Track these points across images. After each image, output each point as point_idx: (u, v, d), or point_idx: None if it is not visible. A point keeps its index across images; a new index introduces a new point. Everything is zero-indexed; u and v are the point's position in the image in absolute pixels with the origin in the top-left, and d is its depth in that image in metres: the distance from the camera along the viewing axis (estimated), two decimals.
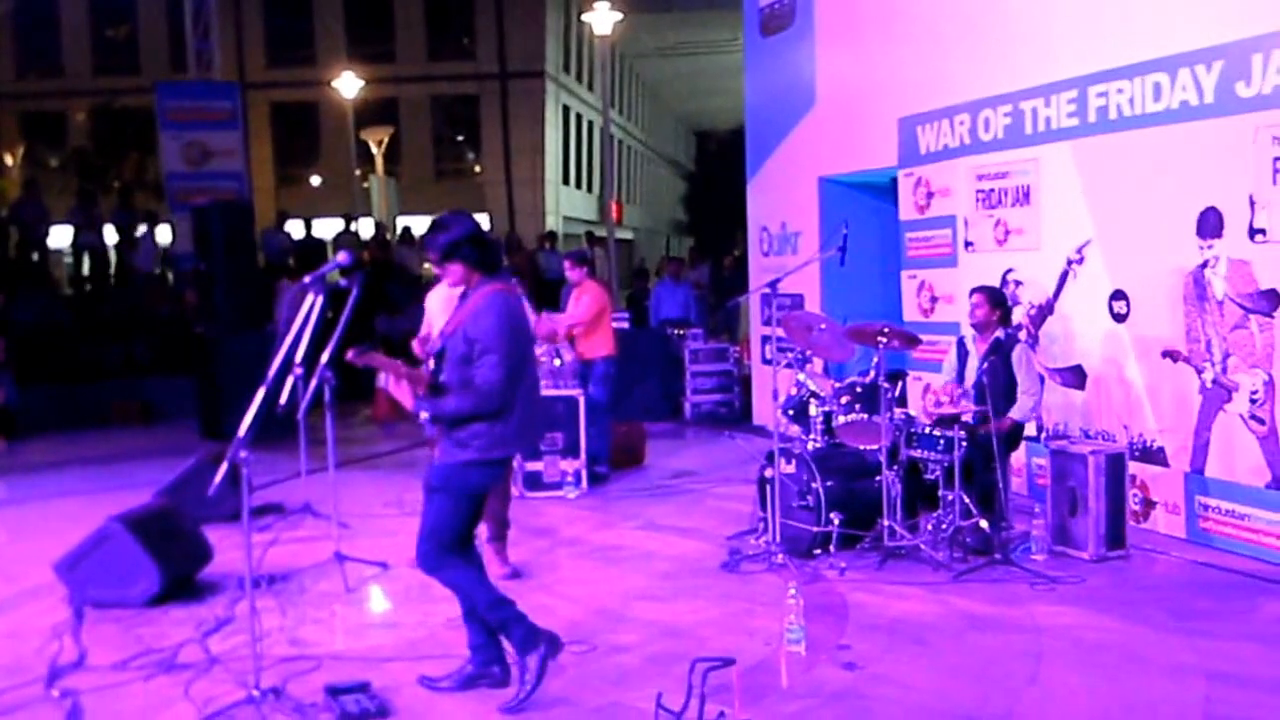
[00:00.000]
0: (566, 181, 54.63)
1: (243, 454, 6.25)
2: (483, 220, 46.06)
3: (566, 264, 13.42)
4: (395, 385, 6.68)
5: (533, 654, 6.59)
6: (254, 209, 20.50)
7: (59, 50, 50.19)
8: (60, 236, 26.16)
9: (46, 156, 45.61)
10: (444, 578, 6.69)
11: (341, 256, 8.14)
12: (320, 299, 6.87)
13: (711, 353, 18.35)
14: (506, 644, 6.71)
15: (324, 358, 9.18)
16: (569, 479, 12.33)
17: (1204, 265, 9.65)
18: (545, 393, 12.00)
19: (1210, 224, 9.55)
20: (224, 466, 6.38)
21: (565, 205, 53.22)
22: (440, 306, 9.17)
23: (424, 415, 6.59)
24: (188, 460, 11.42)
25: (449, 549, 6.64)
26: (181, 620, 8.21)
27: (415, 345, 9.34)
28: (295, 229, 28.09)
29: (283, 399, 6.53)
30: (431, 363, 6.71)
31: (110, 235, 26.14)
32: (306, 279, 7.11)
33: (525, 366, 6.64)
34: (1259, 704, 6.61)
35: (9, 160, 44.46)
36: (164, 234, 27.54)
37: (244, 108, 27.99)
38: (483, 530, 8.51)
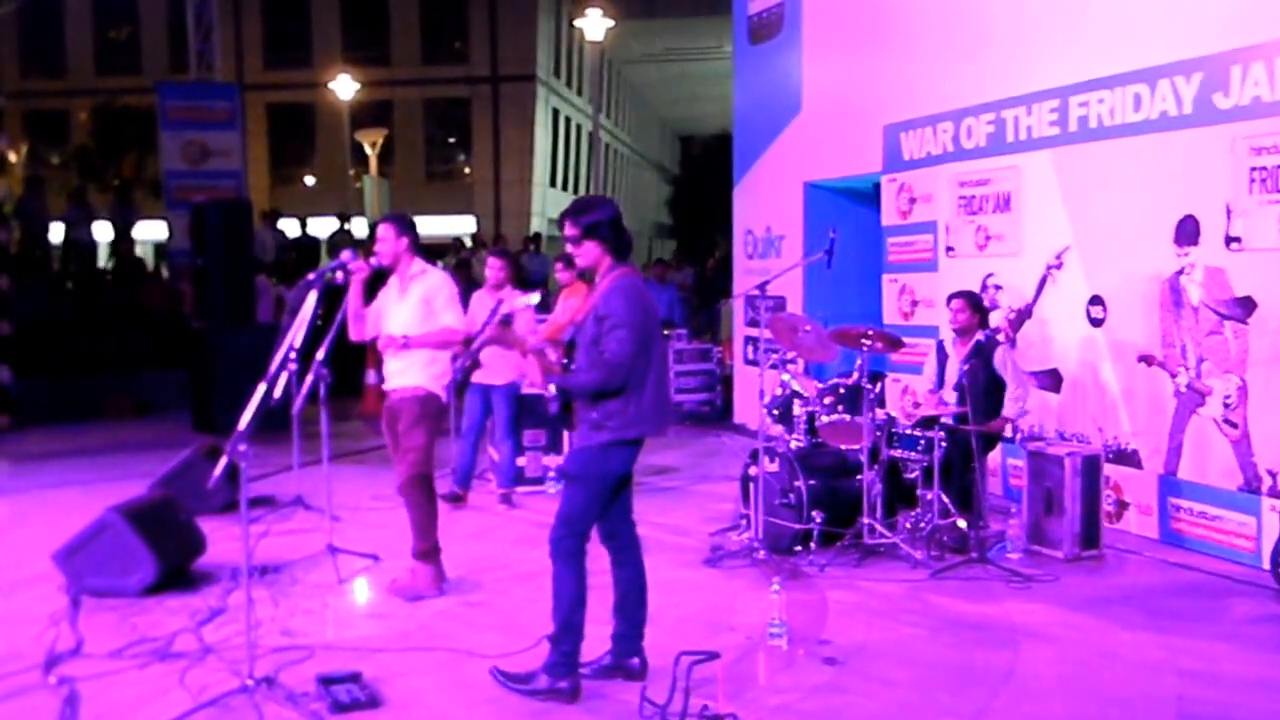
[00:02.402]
0: (553, 184, 54.64)
1: (242, 447, 6.21)
2: (469, 221, 46.17)
3: (557, 266, 13.35)
4: (523, 360, 6.63)
5: (551, 677, 6.51)
6: (252, 207, 20.45)
7: (62, 50, 50.40)
8: (60, 232, 26.11)
9: (49, 154, 45.58)
10: (557, 570, 6.58)
11: (345, 255, 8.08)
12: (317, 294, 6.86)
13: (695, 353, 18.31)
14: (547, 645, 6.61)
15: (320, 353, 9.13)
16: (551, 474, 12.27)
17: (1180, 272, 9.66)
18: (528, 391, 11.98)
19: (1187, 232, 9.56)
20: (224, 460, 6.34)
21: (551, 207, 53.18)
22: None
23: (552, 389, 6.48)
24: (181, 453, 11.35)
25: (581, 537, 6.58)
26: (176, 610, 8.14)
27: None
28: (291, 228, 28.04)
29: (277, 393, 6.49)
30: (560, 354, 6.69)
31: (105, 231, 26.15)
32: (310, 275, 7.09)
33: (654, 346, 6.53)
34: (1230, 702, 6.59)
35: (13, 158, 44.38)
36: (159, 230, 27.52)
37: (242, 108, 27.95)
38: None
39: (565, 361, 6.63)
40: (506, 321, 6.78)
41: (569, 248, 6.69)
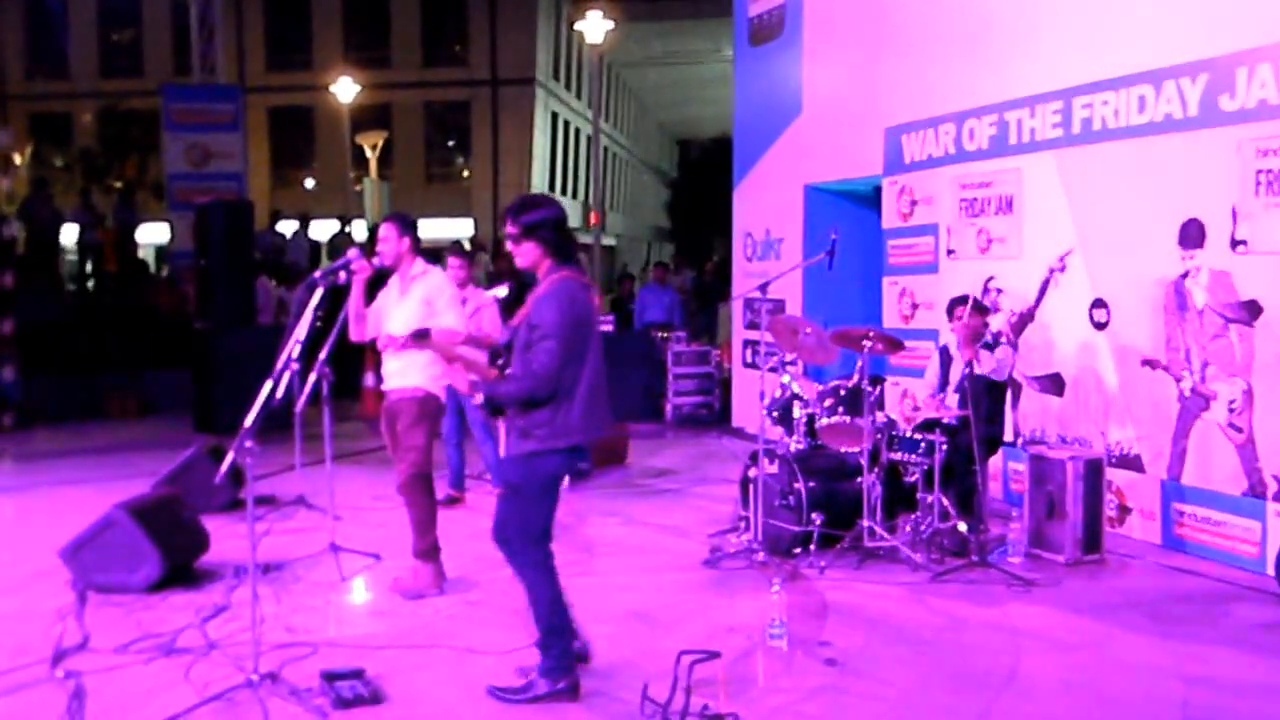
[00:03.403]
0: (552, 187, 54.62)
1: (248, 444, 6.20)
2: (468, 224, 46.16)
3: None
4: (451, 369, 6.58)
5: (549, 680, 6.45)
6: (254, 208, 20.44)
7: (66, 53, 50.56)
8: (67, 234, 26.16)
9: (53, 156, 45.59)
10: (527, 579, 6.54)
11: (351, 254, 8.01)
12: (322, 293, 6.81)
13: (693, 355, 18.24)
14: (537, 653, 6.54)
15: (323, 353, 9.08)
16: None
17: (1185, 275, 9.57)
18: None
19: (1192, 234, 9.47)
20: (229, 458, 6.31)
21: None
22: (390, 301, 8.86)
23: (478, 399, 6.44)
24: (184, 452, 11.40)
25: (536, 543, 6.52)
26: (181, 606, 8.14)
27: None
28: (291, 229, 28.07)
29: (279, 394, 6.45)
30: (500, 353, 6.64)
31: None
32: (315, 275, 7.04)
33: (588, 354, 6.42)
34: (1234, 708, 6.53)
35: (17, 159, 44.38)
36: (161, 232, 27.57)
37: (244, 111, 27.97)
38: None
39: (502, 362, 6.56)
40: (422, 335, 6.74)
41: (509, 245, 6.58)
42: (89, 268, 25.23)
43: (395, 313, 8.49)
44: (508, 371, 6.46)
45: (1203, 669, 7.05)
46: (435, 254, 10.34)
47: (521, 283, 24.08)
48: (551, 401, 6.28)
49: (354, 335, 8.70)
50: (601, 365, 6.53)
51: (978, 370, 9.68)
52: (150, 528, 8.53)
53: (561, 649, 6.48)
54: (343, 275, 7.97)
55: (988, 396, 9.67)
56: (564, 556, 9.60)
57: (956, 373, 9.99)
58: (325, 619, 8.06)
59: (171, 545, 8.68)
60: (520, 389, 6.26)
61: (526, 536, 6.49)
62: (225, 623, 7.75)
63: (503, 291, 7.45)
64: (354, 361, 11.62)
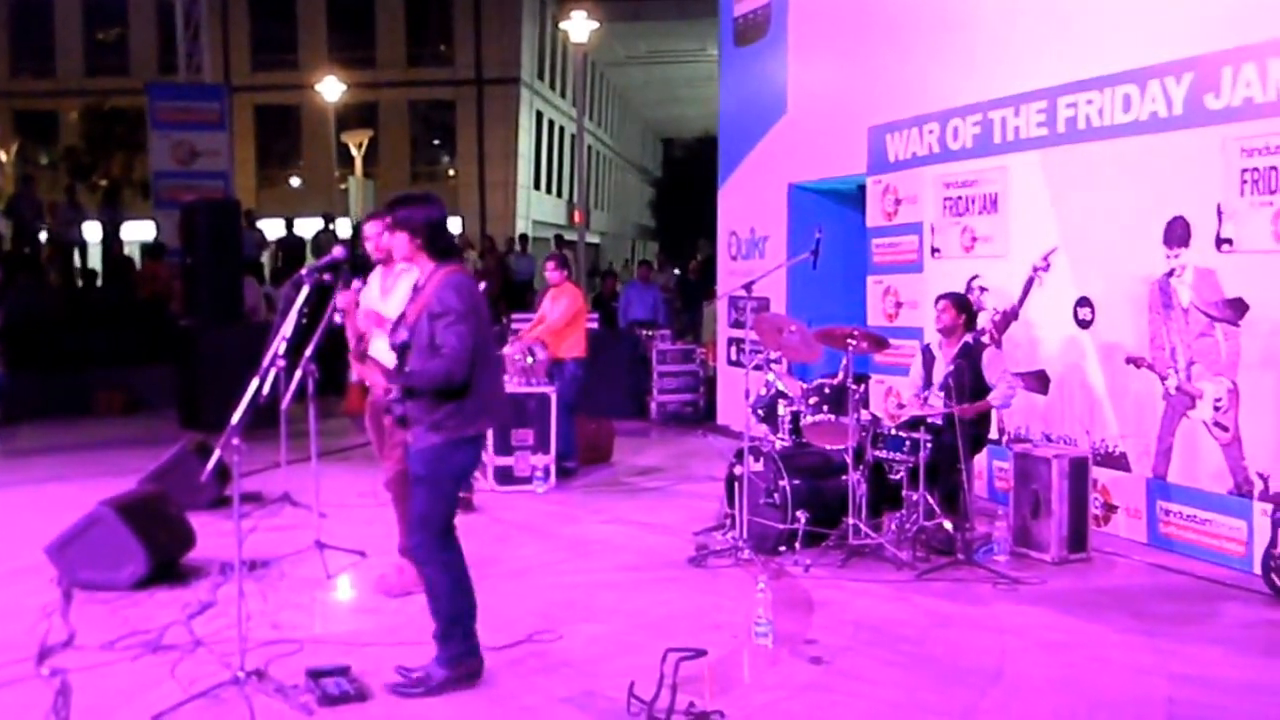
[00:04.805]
0: (537, 186, 54.64)
1: (234, 441, 6.17)
2: (454, 223, 46.05)
3: (550, 265, 13.21)
4: (364, 368, 6.56)
5: (448, 668, 6.49)
6: (240, 207, 20.40)
7: (52, 51, 50.43)
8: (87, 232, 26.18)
9: (38, 154, 45.44)
10: (432, 572, 6.56)
11: (338, 251, 7.95)
12: (309, 290, 6.76)
13: (678, 354, 18.22)
14: (436, 644, 6.57)
15: (309, 350, 9.03)
16: (538, 474, 12.18)
17: (1170, 274, 9.54)
18: (518, 390, 11.99)
19: (1177, 233, 9.44)
20: (215, 455, 6.26)
21: (535, 209, 53.20)
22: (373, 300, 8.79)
23: (393, 395, 6.44)
24: (170, 449, 11.38)
25: (442, 536, 6.54)
26: (167, 603, 8.10)
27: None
28: (275, 228, 28.05)
29: (265, 390, 6.40)
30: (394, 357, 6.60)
31: (95, 231, 26.14)
32: (302, 272, 7.00)
33: (486, 344, 6.53)
34: (1220, 706, 6.48)
35: (2, 157, 44.27)
36: (146, 230, 27.53)
37: (229, 109, 27.92)
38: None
39: (399, 363, 6.54)
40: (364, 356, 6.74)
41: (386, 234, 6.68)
42: (75, 265, 25.16)
43: (379, 309, 8.42)
44: (408, 370, 6.46)
45: (1189, 668, 7.01)
46: None
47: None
48: (460, 392, 6.31)
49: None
50: (498, 356, 6.59)
51: (991, 403, 9.73)
52: (136, 525, 8.49)
53: (463, 636, 6.54)
54: (328, 275, 7.91)
55: (973, 394, 9.63)
56: (551, 555, 9.68)
57: (940, 371, 9.95)
58: (311, 616, 8.03)
59: (157, 542, 8.64)
60: (438, 371, 6.27)
61: (433, 529, 6.52)
62: (211, 620, 7.70)
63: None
64: (339, 358, 11.58)
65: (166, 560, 8.77)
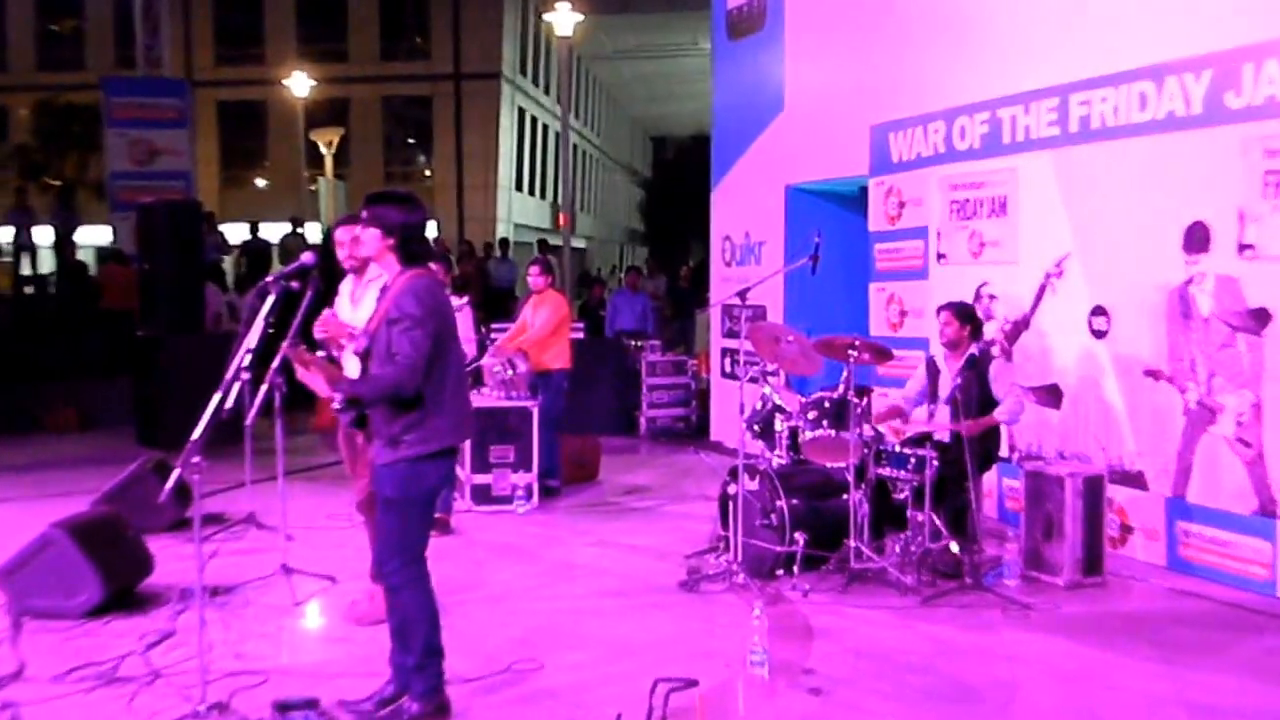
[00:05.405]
0: (520, 187, 54.64)
1: (195, 459, 6.14)
2: (430, 227, 46.02)
3: (535, 269, 13.16)
4: (307, 374, 6.55)
5: (423, 702, 6.50)
6: (201, 208, 20.36)
7: (3, 44, 50.22)
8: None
9: None
10: (404, 599, 6.54)
11: (306, 257, 7.95)
12: (275, 299, 6.76)
13: (669, 365, 18.20)
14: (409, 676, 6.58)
15: (275, 362, 9.03)
16: (520, 493, 12.16)
17: (1189, 281, 9.56)
18: (497, 404, 11.97)
19: (1197, 239, 9.46)
20: (175, 474, 6.24)
21: (517, 212, 53.20)
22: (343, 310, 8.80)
23: (336, 403, 6.45)
24: (127, 467, 11.33)
25: (419, 560, 6.55)
26: (123, 632, 8.09)
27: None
28: (240, 232, 28.03)
29: (228, 405, 6.40)
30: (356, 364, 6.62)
31: (47, 234, 26.10)
32: (268, 279, 7.00)
33: (452, 354, 6.51)
34: None
35: None
36: (102, 235, 27.49)
37: (191, 106, 27.90)
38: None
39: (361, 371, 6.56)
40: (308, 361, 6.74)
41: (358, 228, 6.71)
42: (25, 271, 25.16)
43: (350, 319, 8.42)
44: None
45: (1209, 698, 7.03)
46: None
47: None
48: (420, 403, 6.30)
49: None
50: (463, 368, 6.65)
51: (997, 418, 9.72)
52: (90, 549, 8.45)
53: (436, 669, 6.56)
54: (296, 282, 7.92)
55: (980, 409, 9.65)
56: (534, 579, 9.68)
57: (945, 384, 9.96)
58: (277, 645, 8.02)
59: (113, 567, 8.61)
60: (387, 381, 6.26)
61: (406, 554, 6.53)
62: (170, 650, 7.69)
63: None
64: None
65: (123, 586, 8.74)
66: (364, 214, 6.59)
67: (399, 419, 6.32)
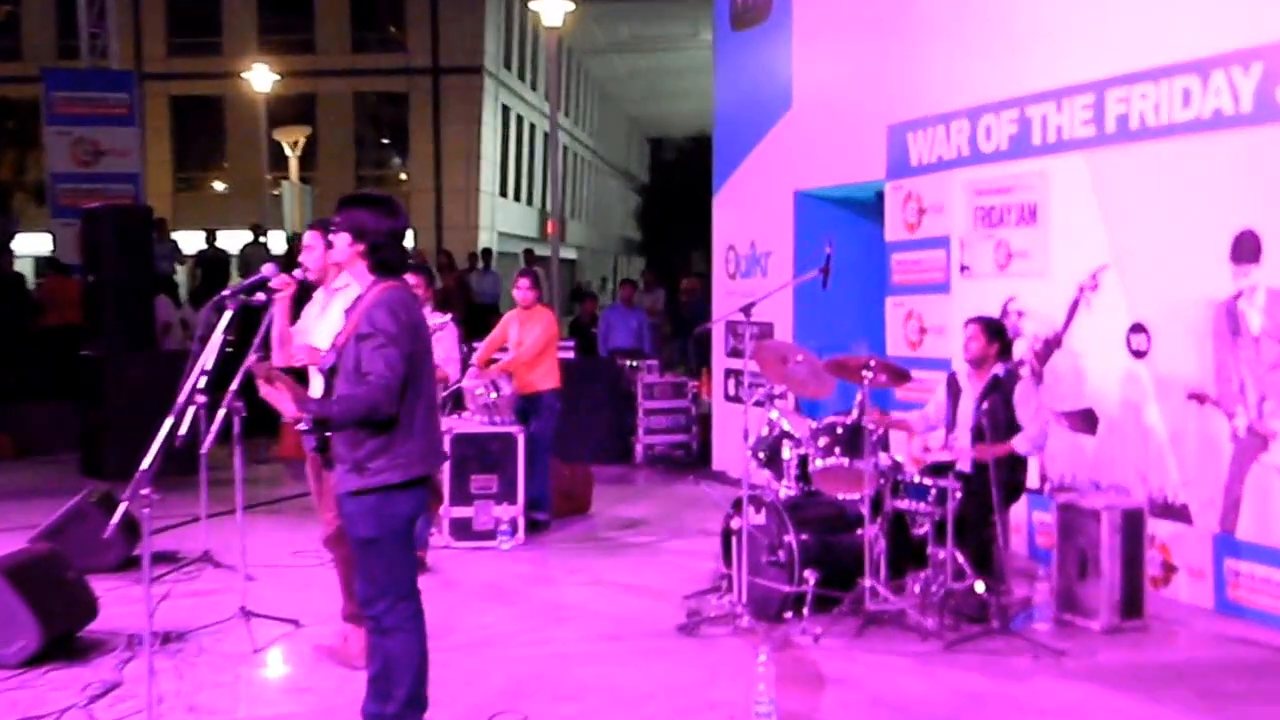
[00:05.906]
0: (504, 193, 54.75)
1: (144, 492, 6.08)
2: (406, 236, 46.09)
3: (525, 283, 13.11)
4: (272, 391, 6.54)
5: None
6: (152, 214, 20.34)
7: None
8: None
9: None
10: (394, 643, 6.51)
11: (267, 269, 7.96)
12: (233, 315, 6.77)
13: (667, 387, 18.21)
14: None
15: (234, 384, 9.00)
16: (504, 527, 12.15)
17: (1238, 295, 9.58)
18: (479, 430, 11.96)
19: (1246, 248, 9.48)
20: (122, 508, 6.21)
21: (501, 219, 53.26)
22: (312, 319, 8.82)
23: (301, 426, 6.45)
24: (69, 500, 11.23)
25: (409, 596, 6.54)
26: (64, 683, 8.07)
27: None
28: (194, 241, 27.99)
29: (182, 431, 6.37)
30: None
31: None
32: (225, 292, 6.99)
33: (425, 375, 6.50)
34: None
35: None
36: (42, 243, 27.46)
37: (140, 101, 27.88)
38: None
39: (326, 389, 6.56)
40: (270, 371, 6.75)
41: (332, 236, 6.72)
42: None
43: (319, 332, 8.41)
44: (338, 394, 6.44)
45: None
46: None
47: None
48: (389, 427, 6.28)
49: (279, 360, 8.64)
50: (435, 391, 6.67)
51: (1017, 450, 9.70)
52: (26, 591, 8.43)
53: (421, 716, 6.57)
54: (260, 295, 7.92)
55: (1008, 434, 9.64)
56: (519, 623, 9.68)
57: (966, 406, 9.95)
58: (235, 697, 8.00)
59: (52, 611, 8.57)
60: (360, 403, 6.23)
61: (396, 591, 6.50)
62: (116, 702, 7.66)
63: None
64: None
65: (63, 633, 8.70)
66: (335, 218, 6.59)
67: (364, 444, 6.29)
